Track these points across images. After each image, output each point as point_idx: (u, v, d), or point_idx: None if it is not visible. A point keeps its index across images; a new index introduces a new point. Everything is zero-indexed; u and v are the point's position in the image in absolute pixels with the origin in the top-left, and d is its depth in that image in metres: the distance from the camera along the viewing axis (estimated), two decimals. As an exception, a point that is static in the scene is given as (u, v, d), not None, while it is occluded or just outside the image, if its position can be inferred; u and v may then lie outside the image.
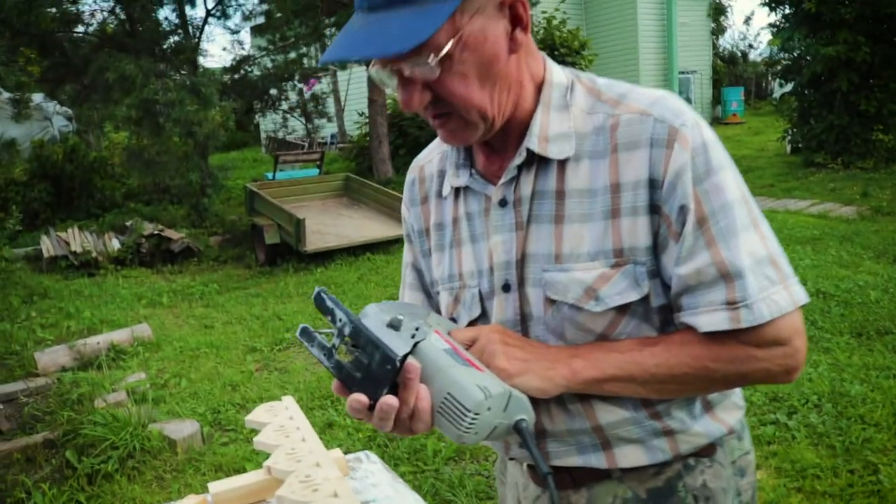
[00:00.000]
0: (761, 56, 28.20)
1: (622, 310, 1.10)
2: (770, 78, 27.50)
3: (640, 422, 1.15)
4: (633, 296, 1.09)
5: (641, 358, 1.07)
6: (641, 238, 1.07)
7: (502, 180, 1.16)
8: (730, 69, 26.41)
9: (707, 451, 1.19)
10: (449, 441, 4.07)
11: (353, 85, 19.40)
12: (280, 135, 18.33)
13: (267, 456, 1.92)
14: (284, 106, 15.83)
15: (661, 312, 1.12)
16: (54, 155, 13.32)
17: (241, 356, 6.03)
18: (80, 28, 12.68)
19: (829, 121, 12.57)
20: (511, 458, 1.33)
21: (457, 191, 1.26)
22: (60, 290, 8.59)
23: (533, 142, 1.12)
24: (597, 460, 1.17)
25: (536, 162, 1.14)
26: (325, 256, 9.23)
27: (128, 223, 11.04)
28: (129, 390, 5.16)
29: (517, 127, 1.15)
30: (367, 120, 14.24)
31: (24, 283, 8.79)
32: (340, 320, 1.00)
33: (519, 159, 1.14)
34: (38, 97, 14.52)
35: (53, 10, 11.70)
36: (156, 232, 10.33)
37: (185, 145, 11.49)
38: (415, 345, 1.01)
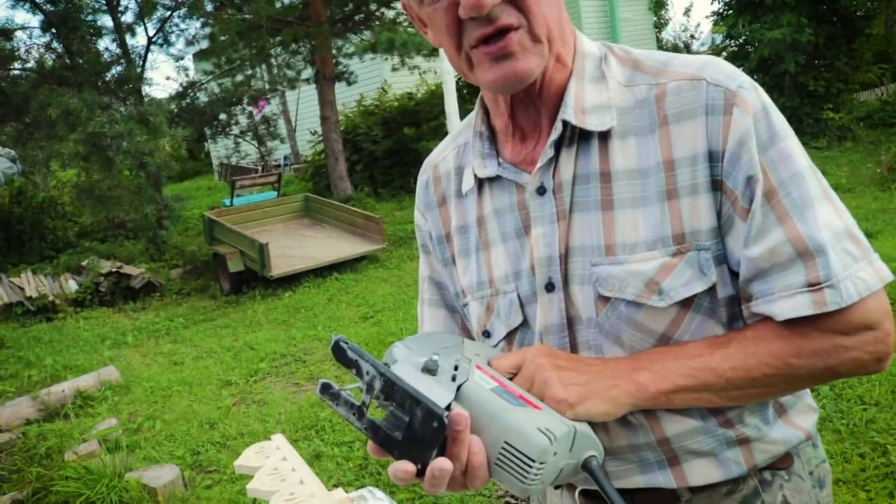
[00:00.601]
0: (704, 46, 28.60)
1: (686, 304, 0.97)
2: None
3: (711, 431, 1.01)
4: (699, 286, 0.96)
5: (714, 362, 0.94)
6: (704, 220, 0.95)
7: (539, 163, 1.02)
8: (674, 61, 26.68)
9: (784, 462, 1.06)
10: (444, 462, 3.90)
11: (304, 104, 19.17)
12: (233, 160, 18.02)
13: (256, 500, 1.76)
14: (235, 130, 15.56)
15: (729, 305, 0.99)
16: (0, 199, 12.88)
17: (216, 391, 5.79)
18: (17, 65, 12.29)
19: (780, 103, 12.70)
20: (556, 487, 1.18)
21: (480, 186, 1.12)
22: (18, 339, 8.25)
23: (569, 113, 1.00)
24: (663, 479, 1.03)
25: (577, 138, 1.01)
26: (292, 280, 9.02)
27: (84, 263, 10.67)
28: (100, 439, 4.91)
29: (552, 97, 1.03)
30: (320, 138, 14.04)
31: (-22, 335, 8.43)
32: (368, 373, 0.85)
33: (555, 134, 1.00)
34: (-23, 140, 14.07)
35: (-14, 48, 11.34)
36: (114, 269, 10.00)
37: (137, 178, 11.18)
38: (458, 388, 0.87)
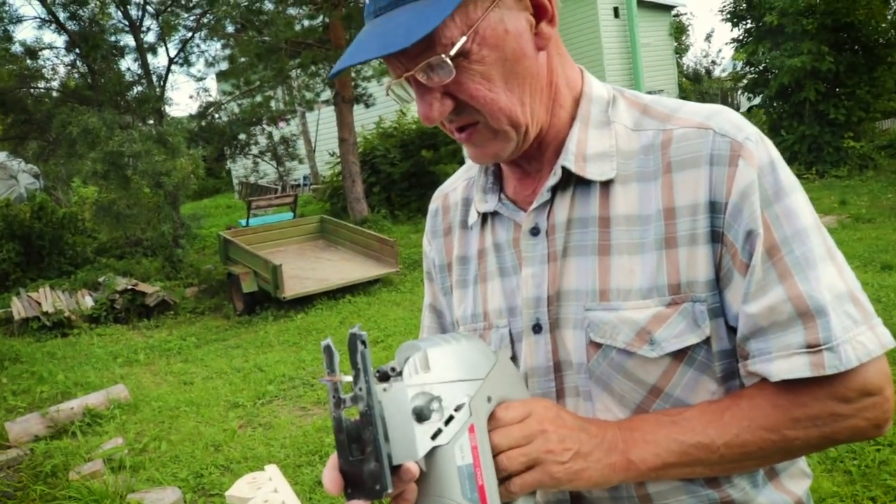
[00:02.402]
0: (725, 71, 28.56)
1: (679, 356, 0.94)
2: (737, 92, 27.95)
3: (694, 491, 0.98)
4: (693, 339, 0.93)
5: (707, 438, 0.91)
6: (701, 271, 0.93)
7: (534, 205, 1.01)
8: (695, 86, 26.69)
9: None
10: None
11: (323, 125, 19.32)
12: (252, 179, 18.16)
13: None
14: (254, 150, 15.69)
15: (724, 360, 0.96)
16: (21, 214, 13.03)
17: (224, 413, 5.78)
18: (42, 83, 12.49)
19: (801, 132, 12.64)
20: None
21: (483, 219, 1.11)
22: (32, 353, 8.30)
23: (569, 160, 0.99)
24: None
25: (574, 184, 1.00)
26: (305, 301, 9.03)
27: (100, 279, 10.77)
28: (105, 458, 4.91)
29: (552, 142, 1.01)
30: (338, 160, 14.12)
31: (-6, 349, 8.50)
32: (360, 389, 0.82)
33: (553, 179, 0.99)
34: (1, 155, 14.28)
35: (13, 66, 11.52)
36: (129, 287, 10.06)
37: (154, 196, 11.28)
38: (432, 449, 0.84)
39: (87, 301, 10.09)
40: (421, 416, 0.83)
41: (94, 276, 11.36)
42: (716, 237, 0.92)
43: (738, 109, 26.92)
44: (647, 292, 0.94)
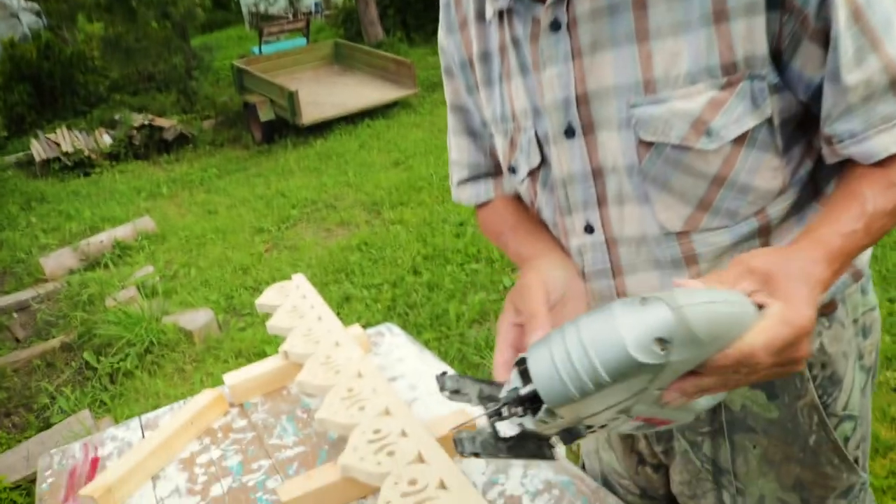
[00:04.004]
0: None
1: (740, 140, 0.85)
2: None
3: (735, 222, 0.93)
4: (753, 121, 0.84)
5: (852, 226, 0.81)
6: (759, 44, 0.81)
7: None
8: None
9: (826, 308, 0.97)
10: (472, 304, 3.91)
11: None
12: (262, 8, 17.50)
13: (284, 339, 1.74)
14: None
15: (785, 132, 0.87)
16: (28, 54, 12.73)
17: (249, 238, 5.84)
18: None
19: None
20: None
21: (500, 15, 0.98)
22: (58, 193, 8.37)
23: None
24: None
25: None
26: (324, 127, 8.90)
27: (116, 116, 10.65)
28: (138, 285, 5.02)
29: None
30: (349, -19, 13.47)
31: (20, 190, 8.58)
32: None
33: None
34: (0, -7, 13.79)
35: None
36: (146, 122, 9.96)
37: (162, 28, 10.91)
38: None
39: (106, 139, 10.03)
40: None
41: (110, 113, 11.23)
42: (774, 4, 0.80)
43: None
44: (697, 76, 0.83)
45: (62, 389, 3.96)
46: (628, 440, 1.18)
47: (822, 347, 0.97)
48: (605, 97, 0.89)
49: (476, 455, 0.77)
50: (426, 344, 3.54)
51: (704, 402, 0.76)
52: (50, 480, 1.50)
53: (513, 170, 1.04)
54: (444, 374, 0.80)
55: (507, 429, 0.76)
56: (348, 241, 5.24)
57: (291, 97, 8.55)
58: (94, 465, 1.53)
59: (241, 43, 18.11)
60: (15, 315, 5.21)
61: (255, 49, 12.32)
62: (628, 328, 0.63)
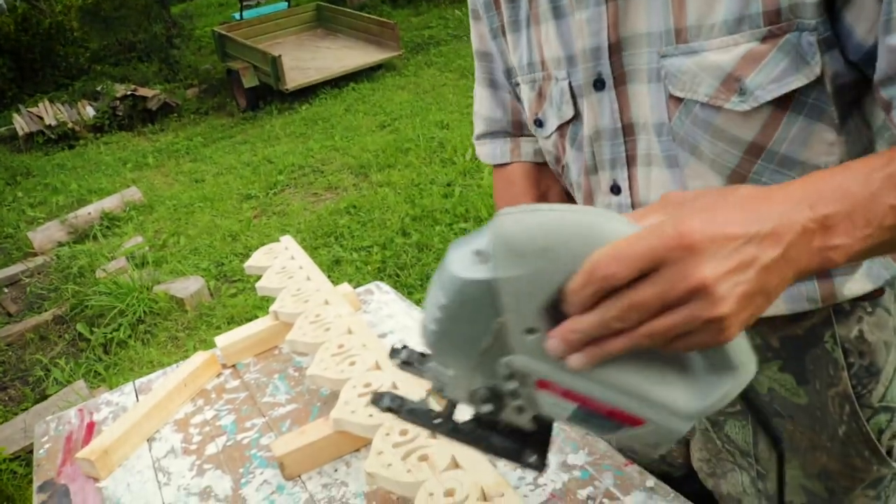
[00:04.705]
0: None
1: (783, 104, 0.74)
2: None
3: None
4: (798, 81, 0.72)
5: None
6: None
7: None
8: None
9: (872, 293, 0.87)
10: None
11: None
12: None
13: (274, 301, 1.75)
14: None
15: (840, 96, 0.74)
16: (5, 27, 12.52)
17: (237, 205, 5.83)
18: None
19: None
20: None
21: None
22: (43, 167, 8.29)
23: None
24: None
25: None
26: (308, 92, 8.81)
27: (98, 88, 10.51)
28: (128, 256, 5.01)
29: None
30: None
31: (4, 165, 8.50)
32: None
33: None
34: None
35: None
36: (129, 93, 9.83)
37: (141, -4, 10.75)
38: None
39: (89, 111, 9.91)
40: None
41: (92, 85, 11.08)
42: None
43: None
44: (736, 24, 0.72)
45: (56, 361, 3.97)
46: None
47: (862, 335, 0.88)
48: (638, 45, 0.80)
49: (391, 411, 0.73)
50: (417, 304, 3.56)
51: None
52: (47, 446, 1.52)
53: (539, 123, 0.96)
54: (402, 347, 0.72)
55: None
56: (336, 204, 5.23)
57: (275, 62, 8.46)
58: (90, 430, 1.54)
59: (222, 10, 17.83)
60: (5, 290, 5.20)
61: (236, 15, 12.14)
62: (455, 248, 0.59)
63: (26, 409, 3.58)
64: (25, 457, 3.19)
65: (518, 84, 0.99)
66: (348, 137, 6.82)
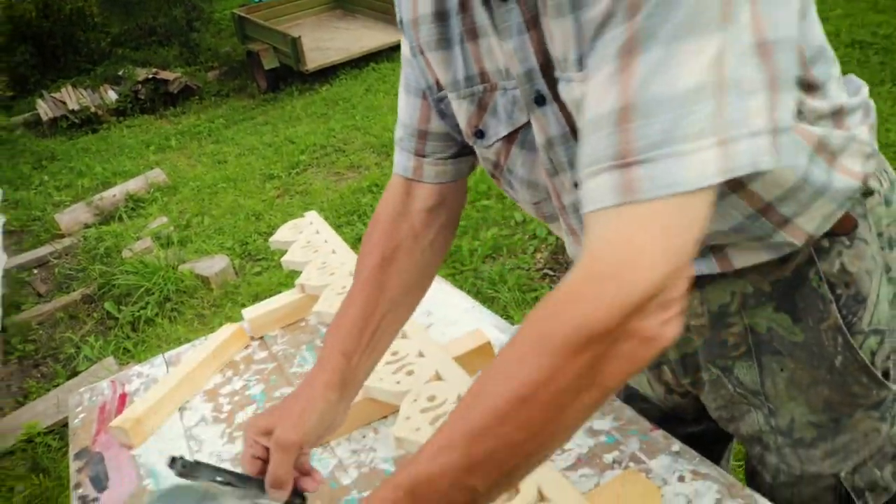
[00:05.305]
0: None
1: None
2: None
3: (747, 229, 0.87)
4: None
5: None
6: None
7: None
8: None
9: (842, 225, 0.91)
10: (484, 239, 3.93)
11: None
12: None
13: (299, 276, 1.77)
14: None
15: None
16: (27, 13, 12.60)
17: (260, 185, 5.86)
18: None
19: None
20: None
21: None
22: (67, 151, 8.38)
23: None
24: (707, 266, 0.93)
25: None
26: (329, 73, 8.81)
27: (120, 72, 10.58)
28: (153, 236, 5.07)
29: None
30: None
31: (30, 150, 8.60)
32: None
33: None
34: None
35: None
36: (150, 76, 9.89)
37: (160, -20, 10.78)
38: None
39: (111, 95, 9.98)
40: None
41: (114, 70, 11.15)
42: None
43: None
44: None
45: (86, 339, 4.04)
46: (655, 370, 1.15)
47: (843, 267, 0.92)
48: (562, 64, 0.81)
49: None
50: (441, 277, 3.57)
51: None
52: (81, 416, 1.55)
53: (480, 133, 0.95)
54: (178, 458, 0.90)
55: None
56: (359, 183, 5.24)
57: (294, 44, 8.45)
58: (123, 401, 1.57)
59: (241, -9, 17.87)
60: (35, 271, 5.29)
61: (255, -4, 12.15)
62: None
63: (58, 385, 3.64)
64: (59, 430, 3.25)
65: (444, 99, 0.98)
66: (369, 117, 6.82)
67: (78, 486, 1.33)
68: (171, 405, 1.48)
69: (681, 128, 0.61)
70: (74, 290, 4.73)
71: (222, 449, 1.34)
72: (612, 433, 1.19)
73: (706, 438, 1.24)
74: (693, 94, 0.61)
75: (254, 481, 0.93)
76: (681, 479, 1.07)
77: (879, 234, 0.95)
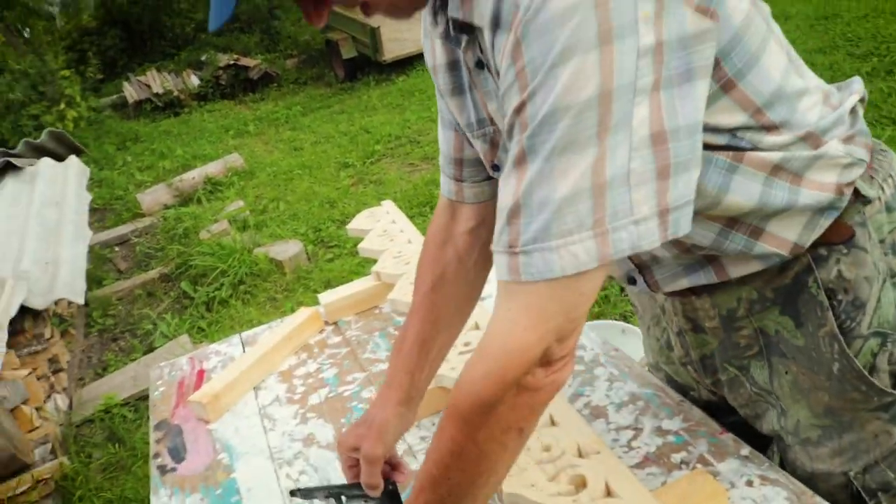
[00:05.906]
0: None
1: None
2: None
3: (725, 243, 0.92)
4: None
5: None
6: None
7: (464, 43, 0.89)
8: None
9: (839, 234, 0.92)
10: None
11: None
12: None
13: (374, 264, 1.79)
14: None
15: None
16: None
17: (335, 173, 5.94)
18: None
19: None
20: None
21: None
22: (150, 133, 8.65)
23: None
24: (706, 276, 0.97)
25: None
26: (405, 64, 8.87)
27: (203, 58, 10.87)
28: (230, 219, 5.19)
29: None
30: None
31: (115, 131, 8.91)
32: None
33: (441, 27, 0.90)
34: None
35: None
36: (231, 62, 10.14)
37: (245, -32, 11.01)
38: None
39: (193, 80, 10.27)
40: None
41: (197, 55, 11.47)
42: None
43: None
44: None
45: (163, 316, 4.16)
46: (684, 368, 1.20)
47: (841, 274, 0.93)
48: None
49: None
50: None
51: None
52: (161, 389, 1.60)
53: (496, 167, 1.03)
54: (296, 490, 1.15)
55: None
56: (433, 175, 5.26)
57: (373, 33, 8.53)
58: (201, 377, 1.62)
59: (322, -19, 18.11)
60: (117, 248, 5.49)
61: (336, -14, 12.29)
62: None
63: (135, 359, 3.77)
64: (134, 403, 3.36)
65: (468, 136, 1.06)
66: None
67: (157, 455, 1.37)
68: (247, 384, 1.52)
69: (554, 227, 0.72)
70: (153, 269, 4.88)
71: (294, 429, 1.37)
72: (680, 433, 1.17)
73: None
74: (568, 199, 0.71)
75: (355, 486, 1.10)
76: (749, 483, 1.06)
77: (882, 241, 0.95)
